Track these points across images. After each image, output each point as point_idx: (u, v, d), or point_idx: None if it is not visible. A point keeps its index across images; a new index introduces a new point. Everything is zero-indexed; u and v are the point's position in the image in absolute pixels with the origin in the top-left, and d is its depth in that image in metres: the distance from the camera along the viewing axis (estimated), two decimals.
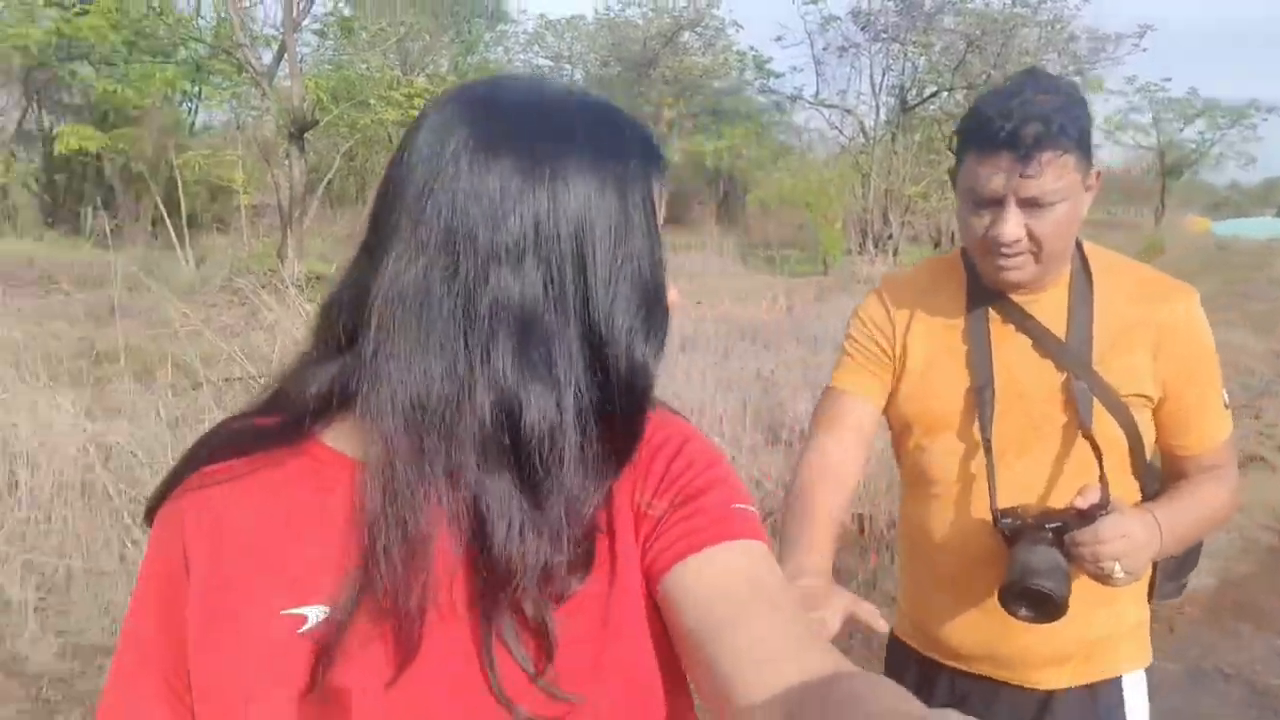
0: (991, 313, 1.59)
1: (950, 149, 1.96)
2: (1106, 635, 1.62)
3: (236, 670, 0.73)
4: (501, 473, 0.71)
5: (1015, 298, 1.57)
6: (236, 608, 0.73)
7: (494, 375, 0.69)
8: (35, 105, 15.72)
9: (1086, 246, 1.61)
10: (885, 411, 1.71)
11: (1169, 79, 44.07)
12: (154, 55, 13.16)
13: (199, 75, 11.40)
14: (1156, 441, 1.62)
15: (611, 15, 25.51)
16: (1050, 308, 1.57)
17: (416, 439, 0.70)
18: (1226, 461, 1.63)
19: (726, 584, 0.71)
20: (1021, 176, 1.40)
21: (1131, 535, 1.39)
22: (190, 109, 15.67)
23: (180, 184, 10.73)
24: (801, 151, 21.06)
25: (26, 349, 5.42)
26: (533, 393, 0.70)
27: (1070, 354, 1.55)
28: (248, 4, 12.58)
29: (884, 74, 18.50)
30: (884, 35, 17.88)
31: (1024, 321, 1.57)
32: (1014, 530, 1.49)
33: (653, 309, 0.75)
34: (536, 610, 0.71)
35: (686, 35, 24.04)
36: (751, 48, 19.90)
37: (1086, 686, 1.63)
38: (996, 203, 1.44)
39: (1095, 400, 1.53)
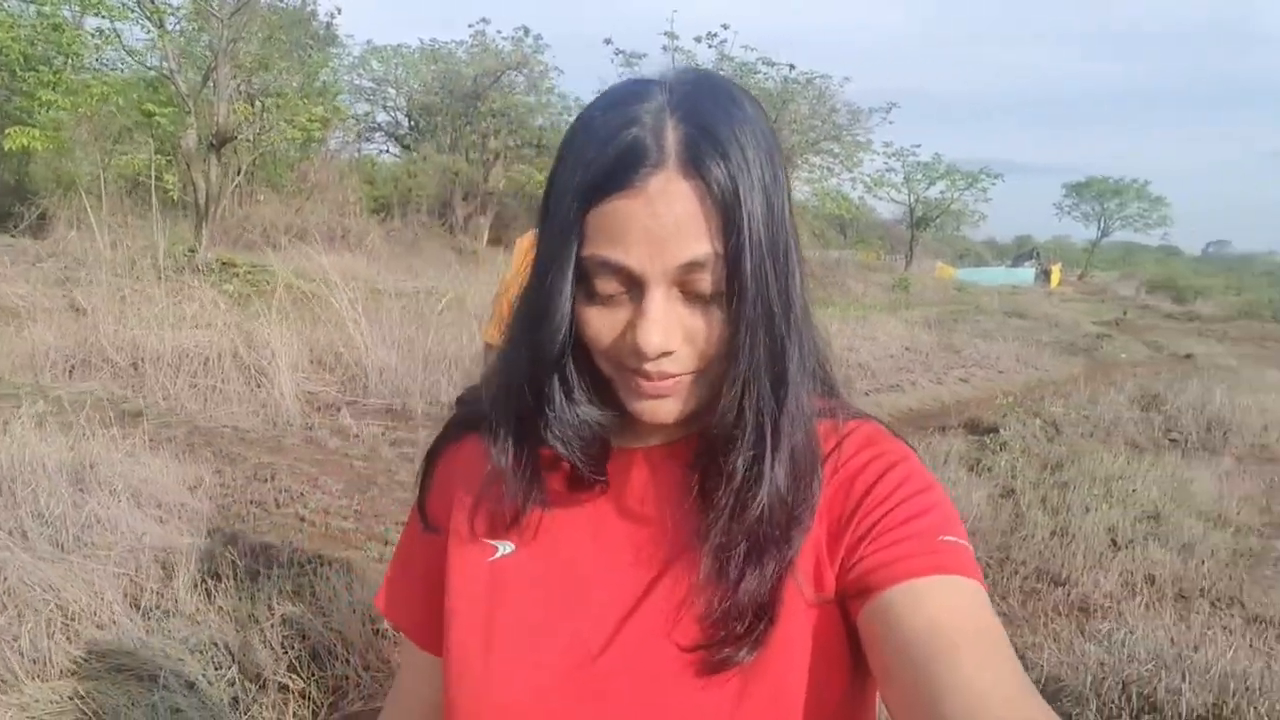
0: None
1: None
2: None
3: (460, 579, 0.84)
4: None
5: None
6: (462, 530, 0.85)
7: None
8: None
9: None
10: None
11: (919, 145, 52.10)
12: (47, 67, 14.21)
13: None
14: None
15: (435, 47, 26.69)
16: None
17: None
18: None
19: (930, 622, 0.64)
20: None
21: None
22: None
23: (103, 183, 12.18)
24: None
25: None
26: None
27: None
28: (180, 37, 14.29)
29: None
30: None
31: None
32: None
33: None
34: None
35: (512, 74, 26.33)
36: (575, 96, 22.58)
37: None
38: None
39: None
